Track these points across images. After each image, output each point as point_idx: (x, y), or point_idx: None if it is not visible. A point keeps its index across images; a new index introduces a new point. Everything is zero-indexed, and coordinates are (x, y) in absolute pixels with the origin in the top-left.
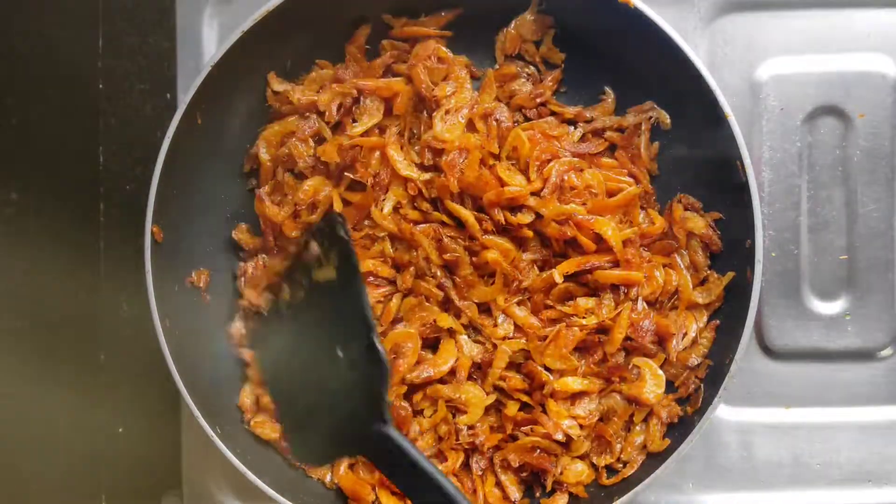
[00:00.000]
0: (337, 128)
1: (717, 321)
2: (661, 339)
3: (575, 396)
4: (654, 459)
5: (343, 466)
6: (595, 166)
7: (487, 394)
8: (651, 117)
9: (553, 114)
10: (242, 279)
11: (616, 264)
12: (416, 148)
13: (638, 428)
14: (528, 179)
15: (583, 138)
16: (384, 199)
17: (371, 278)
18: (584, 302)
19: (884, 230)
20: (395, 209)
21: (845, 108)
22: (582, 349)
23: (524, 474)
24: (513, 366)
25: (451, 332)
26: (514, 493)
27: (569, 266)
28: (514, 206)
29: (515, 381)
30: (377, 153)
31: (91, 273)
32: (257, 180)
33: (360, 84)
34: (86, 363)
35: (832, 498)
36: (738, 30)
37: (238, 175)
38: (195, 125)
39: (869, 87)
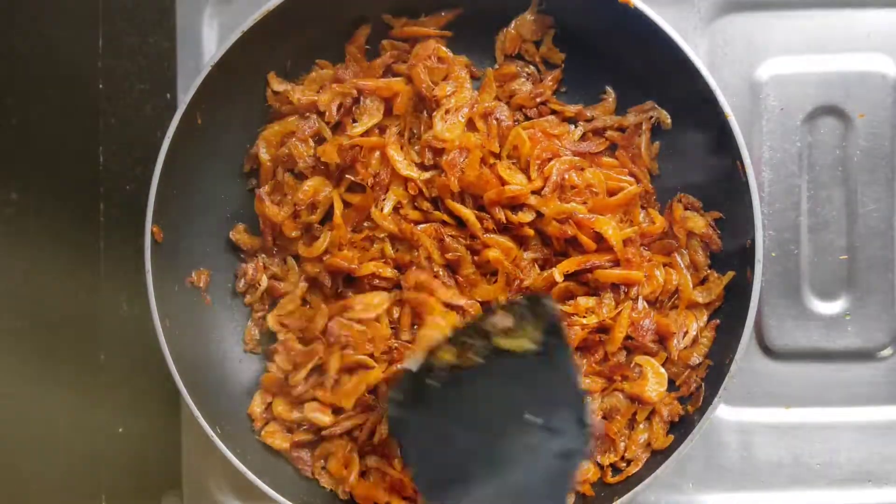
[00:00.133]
0: (337, 128)
1: (718, 321)
2: (662, 338)
3: None
4: (655, 458)
5: (354, 474)
6: (596, 165)
7: None
8: (652, 117)
9: (553, 112)
10: (242, 280)
11: (616, 263)
12: (416, 148)
13: (641, 426)
14: (529, 178)
15: (583, 137)
16: (384, 200)
17: (375, 280)
18: (585, 301)
19: (884, 230)
20: (396, 209)
21: (845, 108)
22: (583, 349)
23: None
24: None
25: None
26: None
27: (569, 265)
28: (515, 205)
29: None
30: (377, 153)
31: (91, 273)
32: (257, 180)
33: (360, 84)
34: (86, 363)
35: (832, 498)
36: (738, 30)
37: (238, 175)
38: (195, 125)
39: (869, 87)
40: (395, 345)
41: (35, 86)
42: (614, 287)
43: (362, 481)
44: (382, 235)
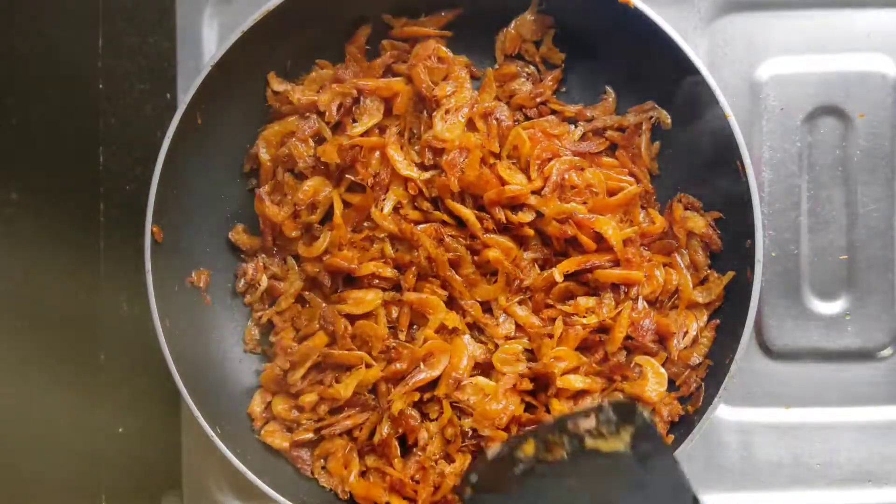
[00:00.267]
0: (337, 128)
1: (718, 321)
2: (662, 338)
3: (577, 395)
4: None
5: (354, 474)
6: (596, 165)
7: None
8: (652, 117)
9: (553, 112)
10: (242, 280)
11: (616, 263)
12: (416, 148)
13: None
14: (529, 178)
15: (583, 137)
16: (384, 200)
17: (375, 280)
18: (585, 301)
19: (884, 230)
20: (396, 209)
21: (845, 108)
22: (583, 348)
23: None
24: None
25: (455, 332)
26: None
27: (569, 265)
28: (515, 205)
29: (523, 383)
30: (377, 153)
31: (91, 273)
32: (257, 180)
33: (360, 84)
34: (86, 363)
35: (832, 498)
36: (738, 30)
37: (238, 175)
38: (195, 125)
39: (869, 87)
40: (393, 344)
41: (35, 86)
42: (614, 287)
43: (362, 481)
44: (382, 235)
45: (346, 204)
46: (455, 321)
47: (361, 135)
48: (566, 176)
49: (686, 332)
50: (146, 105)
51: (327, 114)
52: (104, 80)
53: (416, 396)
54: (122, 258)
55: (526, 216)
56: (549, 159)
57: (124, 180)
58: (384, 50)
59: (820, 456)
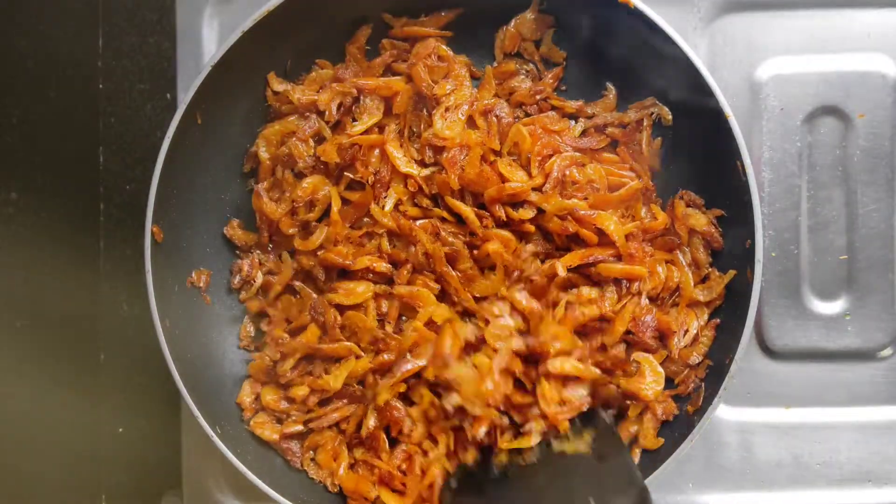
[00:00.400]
0: (337, 127)
1: (718, 320)
2: (663, 336)
3: (567, 381)
4: (654, 459)
5: (343, 466)
6: (596, 162)
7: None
8: (652, 113)
9: (554, 109)
10: (237, 277)
11: (619, 258)
12: (416, 146)
13: (633, 429)
14: (530, 175)
15: (584, 134)
16: (385, 197)
17: (370, 275)
18: (588, 291)
19: (884, 230)
20: (395, 206)
21: (845, 108)
22: (582, 333)
23: None
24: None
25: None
26: None
27: (572, 259)
28: (516, 202)
29: (515, 363)
30: (377, 151)
31: (91, 273)
32: (257, 179)
33: (359, 83)
34: (86, 363)
35: (832, 498)
36: (738, 30)
37: (238, 175)
38: (195, 125)
39: (869, 87)
40: (382, 336)
41: (35, 86)
42: (616, 282)
43: (351, 474)
44: (381, 232)
45: (345, 201)
46: (446, 314)
47: (361, 134)
48: (567, 172)
49: (687, 331)
50: (146, 105)
51: (327, 113)
52: (104, 80)
53: (403, 388)
54: (122, 258)
55: (527, 213)
56: (550, 155)
57: (124, 180)
58: (384, 49)
59: (820, 456)
